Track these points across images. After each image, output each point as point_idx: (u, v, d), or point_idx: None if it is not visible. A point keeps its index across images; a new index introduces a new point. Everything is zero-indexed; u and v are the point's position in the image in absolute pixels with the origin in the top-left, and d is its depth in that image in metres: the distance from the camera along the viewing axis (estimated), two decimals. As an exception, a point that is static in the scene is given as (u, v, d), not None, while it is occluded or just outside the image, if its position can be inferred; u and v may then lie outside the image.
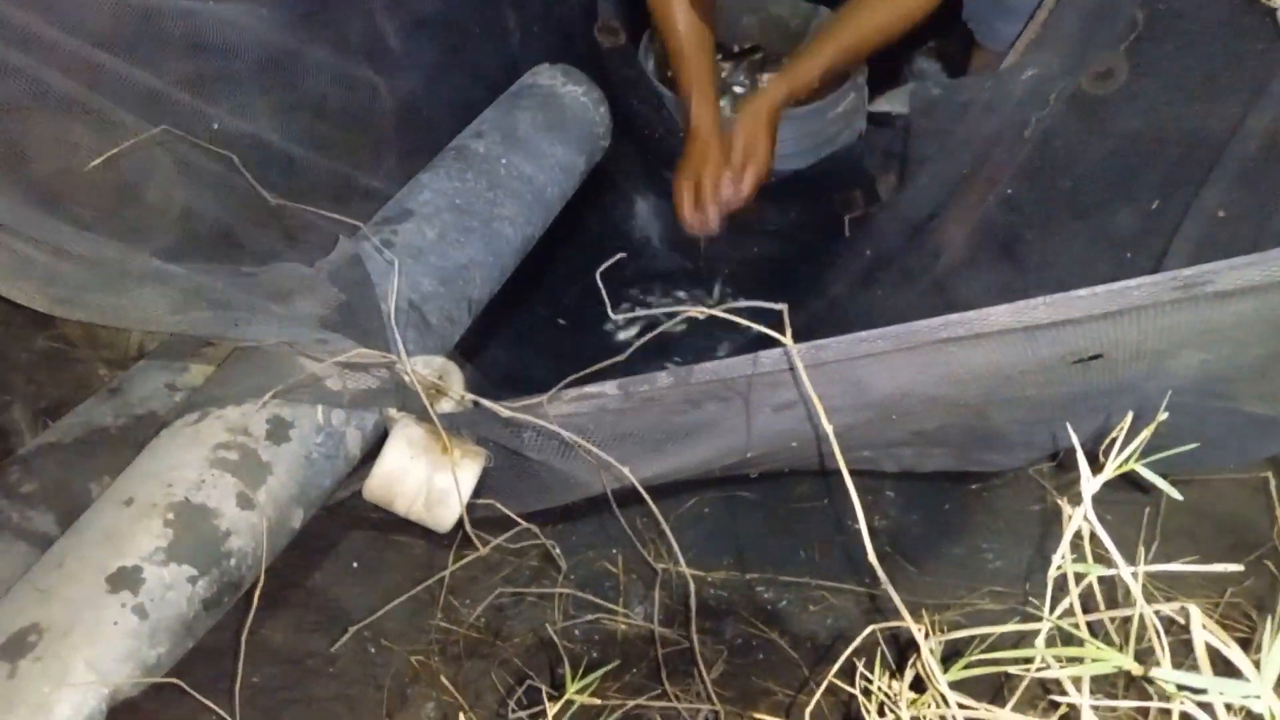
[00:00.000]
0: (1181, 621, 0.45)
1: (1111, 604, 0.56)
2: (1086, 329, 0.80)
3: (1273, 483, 0.93)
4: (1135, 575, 0.45)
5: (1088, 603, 0.55)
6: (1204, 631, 0.40)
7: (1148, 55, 1.24)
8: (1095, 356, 0.84)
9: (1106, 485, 0.58)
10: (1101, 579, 0.57)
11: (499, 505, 1.08)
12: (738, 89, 1.96)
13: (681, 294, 1.92)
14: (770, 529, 1.49)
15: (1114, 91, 1.28)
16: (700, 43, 1.66)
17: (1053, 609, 0.53)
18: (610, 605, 1.26)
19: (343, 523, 1.28)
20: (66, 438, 1.14)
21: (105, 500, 0.93)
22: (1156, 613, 0.45)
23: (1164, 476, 0.57)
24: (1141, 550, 0.58)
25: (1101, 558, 0.52)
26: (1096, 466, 0.53)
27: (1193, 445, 0.55)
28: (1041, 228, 1.45)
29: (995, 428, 1.05)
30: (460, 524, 1.06)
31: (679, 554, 0.94)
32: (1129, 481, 1.30)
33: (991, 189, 1.50)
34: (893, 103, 1.85)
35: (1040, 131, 1.38)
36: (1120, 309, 0.77)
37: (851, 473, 0.74)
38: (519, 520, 1.07)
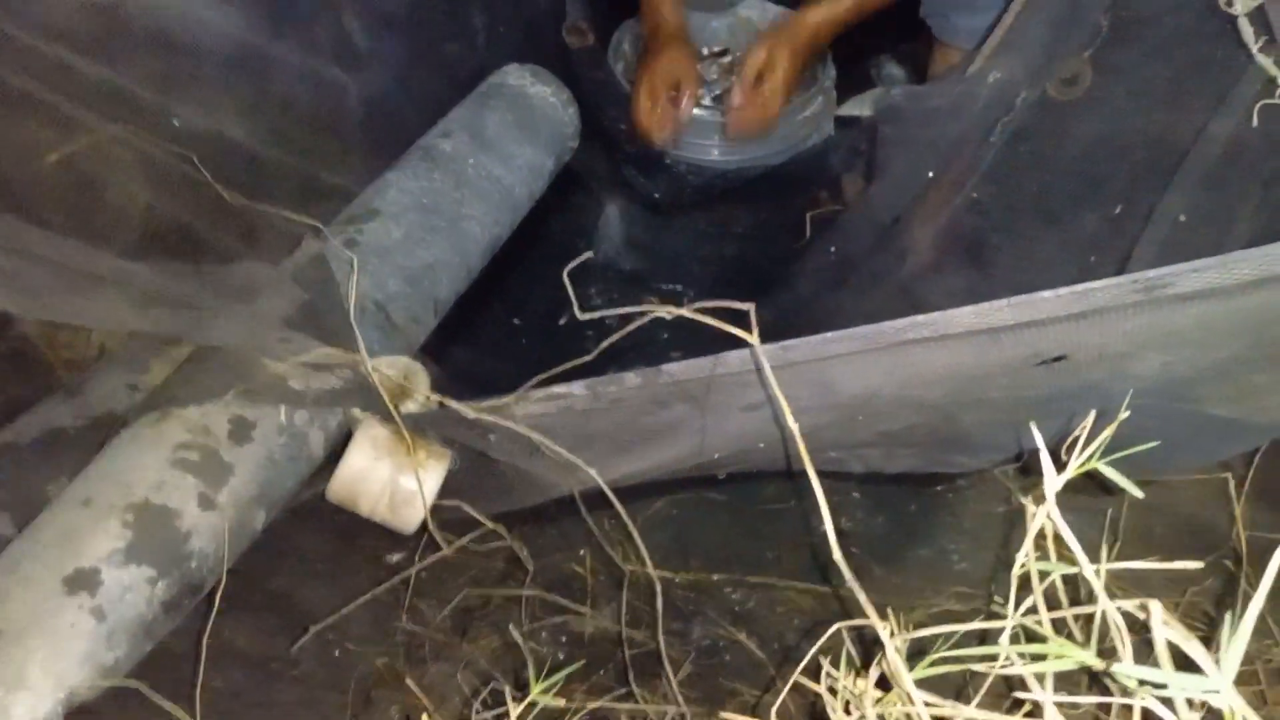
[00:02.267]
0: (1144, 620, 0.45)
1: (1076, 603, 0.57)
2: (1050, 331, 0.81)
3: (1231, 483, 0.94)
4: (1098, 573, 0.46)
5: (1052, 602, 0.56)
6: (1165, 627, 0.40)
7: (1112, 61, 1.25)
8: (1059, 358, 0.85)
9: (1069, 488, 0.58)
10: (1066, 580, 0.57)
11: (465, 506, 1.07)
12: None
13: (650, 296, 1.92)
14: (738, 530, 1.49)
15: (1079, 97, 1.30)
16: None
17: (1017, 607, 0.53)
18: (577, 607, 1.25)
19: (306, 524, 1.27)
20: (23, 438, 1.12)
21: (63, 501, 0.92)
22: (1119, 610, 0.45)
23: (1129, 478, 0.57)
24: (1104, 550, 0.59)
25: (1065, 557, 0.52)
26: (1060, 466, 0.53)
27: (1153, 445, 0.55)
28: (1007, 231, 1.46)
29: (961, 429, 1.05)
30: (425, 525, 1.06)
31: (646, 556, 0.94)
32: (1093, 483, 1.32)
33: (957, 192, 1.51)
34: (860, 106, 1.86)
35: (1006, 136, 1.39)
36: (1083, 311, 0.77)
37: (819, 474, 0.74)
38: (485, 522, 1.06)
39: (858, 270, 1.71)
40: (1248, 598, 0.97)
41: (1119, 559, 1.16)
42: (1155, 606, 0.41)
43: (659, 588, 0.90)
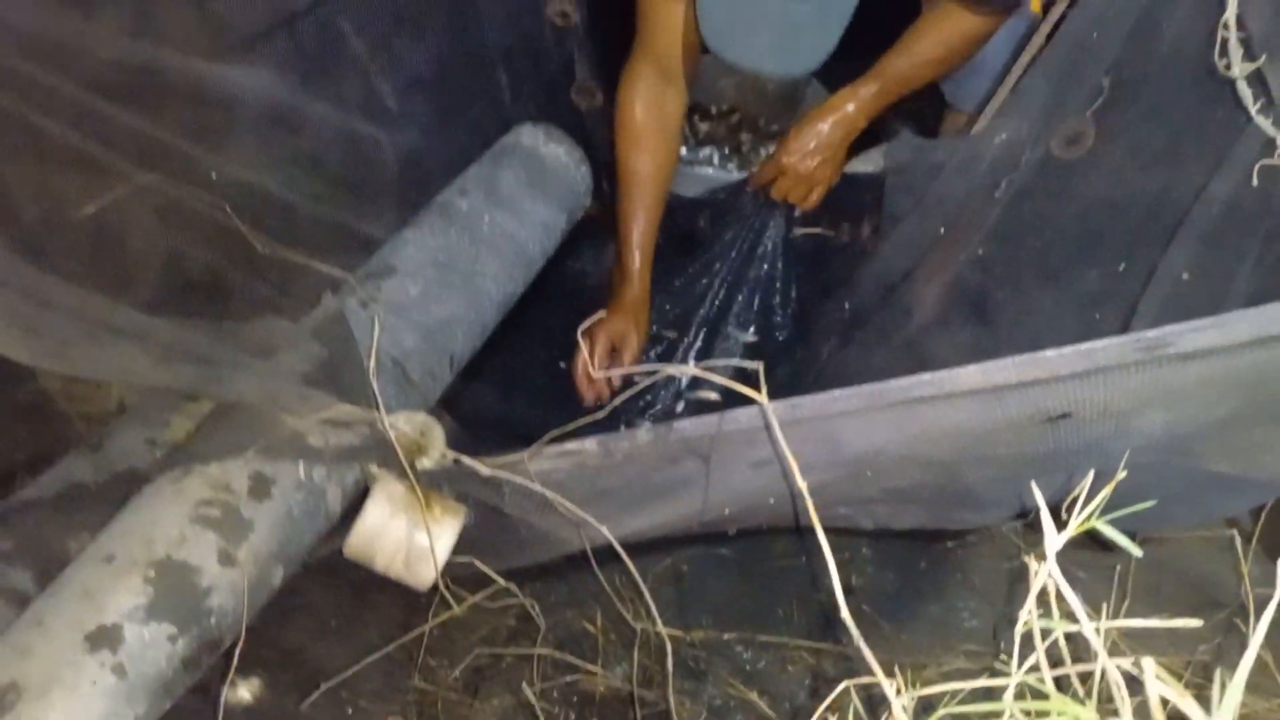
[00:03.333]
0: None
1: (1081, 660, 0.58)
2: (1054, 389, 0.82)
3: (1238, 540, 0.94)
4: (1098, 631, 0.47)
5: (1058, 659, 0.57)
6: (1158, 683, 0.41)
7: (1114, 121, 1.28)
8: (1064, 415, 0.86)
9: (1075, 545, 0.59)
10: (1071, 637, 0.58)
11: (478, 563, 1.08)
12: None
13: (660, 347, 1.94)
14: (748, 587, 1.49)
15: (1082, 156, 1.32)
16: (655, 202, 1.72)
17: (1021, 664, 0.54)
18: (589, 666, 1.25)
19: (319, 579, 1.28)
20: (45, 494, 1.14)
21: (85, 557, 0.93)
22: (1118, 667, 0.46)
23: (1130, 535, 0.58)
24: (1105, 607, 0.60)
25: (1070, 615, 0.53)
26: (1061, 524, 0.55)
27: (1151, 503, 0.57)
28: (1012, 288, 1.47)
29: (967, 486, 1.06)
30: (439, 582, 1.07)
31: (656, 615, 0.95)
32: (1098, 542, 1.32)
33: (963, 249, 1.53)
34: (868, 163, 1.89)
35: (1011, 193, 1.41)
36: (1086, 370, 0.79)
37: (827, 530, 0.75)
38: (498, 579, 1.07)
39: (867, 325, 1.73)
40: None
41: (1128, 615, 1.16)
42: (1148, 664, 0.42)
43: (669, 647, 0.91)
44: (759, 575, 1.51)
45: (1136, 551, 0.53)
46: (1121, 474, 0.58)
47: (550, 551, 1.14)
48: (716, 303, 1.83)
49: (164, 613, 0.88)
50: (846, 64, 1.57)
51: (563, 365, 1.75)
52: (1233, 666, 0.97)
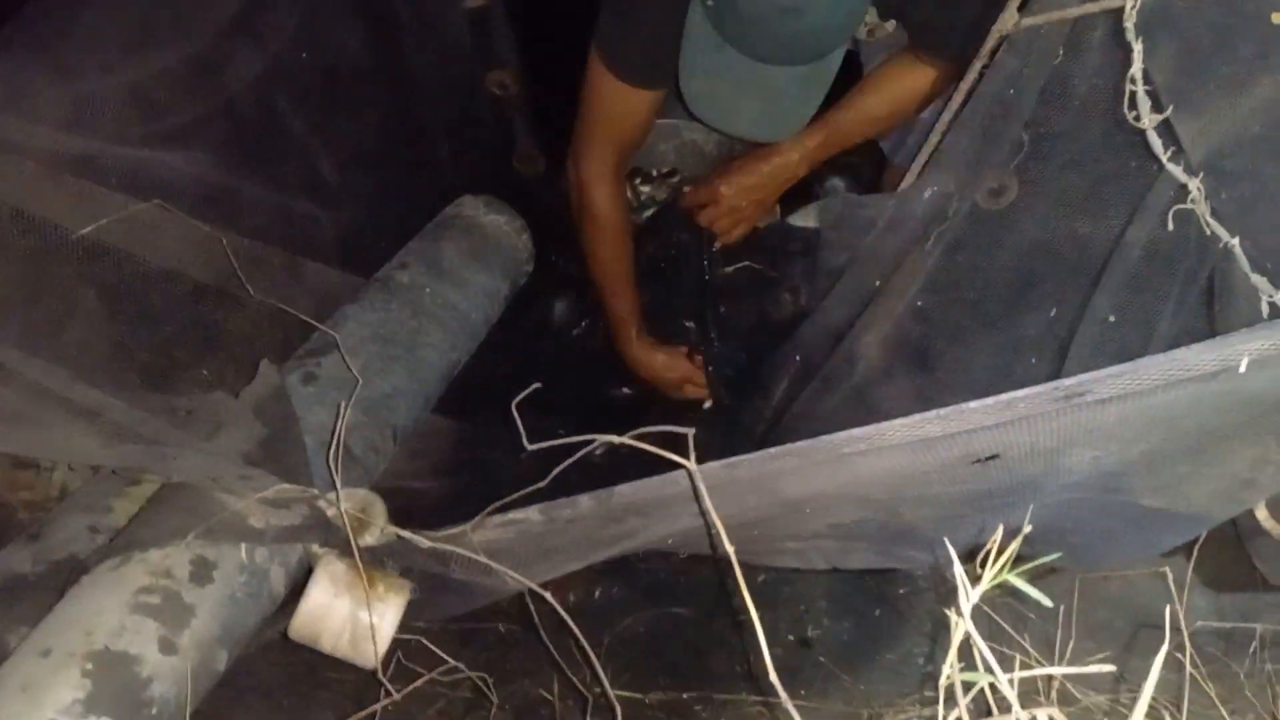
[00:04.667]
0: None
1: (1027, 703, 0.59)
2: (980, 435, 0.84)
3: (1170, 576, 0.96)
4: (1011, 683, 0.48)
5: (988, 709, 0.58)
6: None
7: (1035, 173, 1.32)
8: (992, 457, 0.88)
9: (1033, 581, 0.60)
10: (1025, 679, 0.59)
11: (428, 644, 1.08)
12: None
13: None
14: (707, 644, 1.49)
15: (1007, 207, 1.36)
16: (631, 278, 1.81)
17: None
18: (545, 737, 1.25)
19: (269, 657, 1.27)
20: (-17, 587, 1.12)
21: (23, 651, 0.92)
22: (1034, 717, 0.47)
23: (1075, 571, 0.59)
24: (1022, 652, 0.61)
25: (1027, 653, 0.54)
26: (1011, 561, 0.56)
27: (1057, 555, 0.58)
28: (951, 337, 1.50)
29: (907, 523, 1.08)
30: (391, 656, 1.06)
31: (606, 683, 0.95)
32: (1053, 575, 1.34)
33: (902, 301, 1.56)
34: (805, 218, 1.93)
35: (943, 245, 1.45)
36: (1009, 419, 0.81)
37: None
38: (447, 659, 1.07)
39: (816, 375, 1.76)
40: (1195, 687, 0.99)
41: (1080, 654, 1.18)
42: (1057, 714, 0.43)
43: (618, 710, 0.91)
44: (717, 632, 1.50)
45: (1047, 602, 0.54)
46: (1027, 528, 0.60)
47: (498, 598, 1.14)
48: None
49: (103, 705, 0.87)
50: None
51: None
52: (1178, 701, 0.98)
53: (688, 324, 1.94)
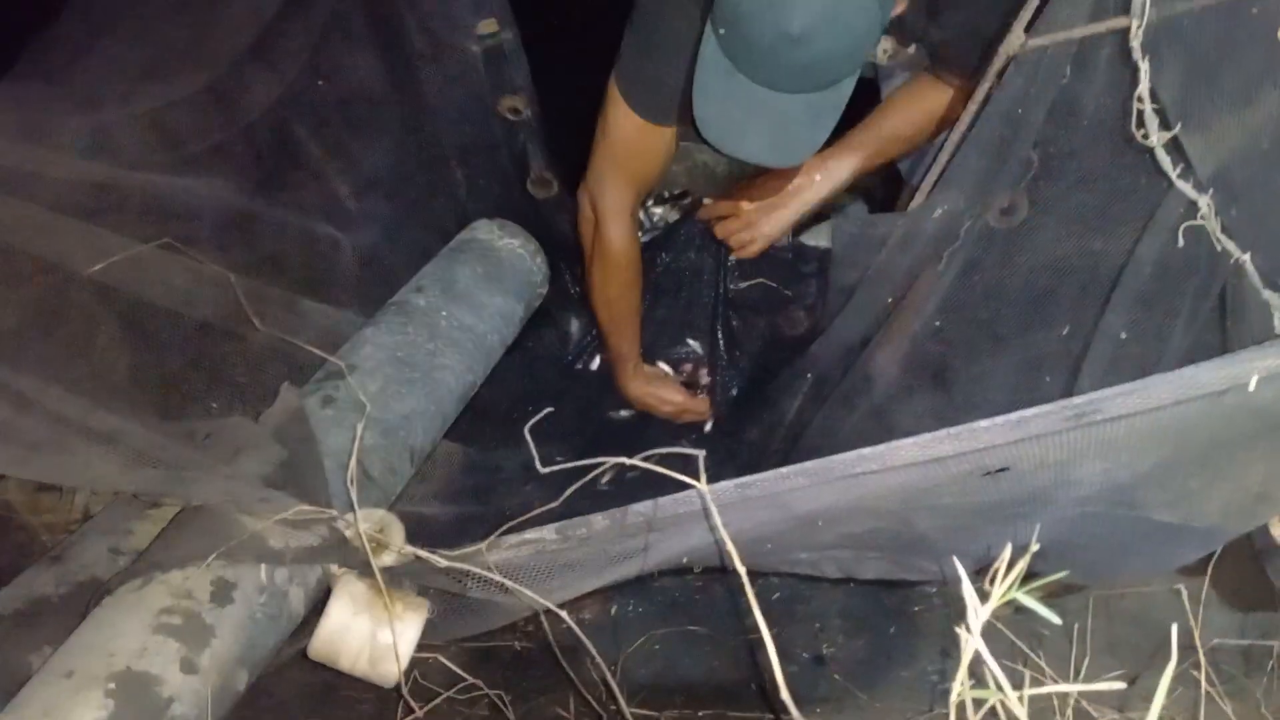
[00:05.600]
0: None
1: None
2: (991, 451, 0.85)
3: (1185, 593, 0.96)
4: (1021, 700, 0.48)
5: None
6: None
7: (1046, 192, 1.33)
8: (1002, 469, 0.89)
9: (1048, 598, 0.60)
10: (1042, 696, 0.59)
11: (445, 661, 1.09)
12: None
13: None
14: (721, 662, 1.50)
15: (1018, 226, 1.37)
16: (636, 312, 1.81)
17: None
18: (562, 757, 1.25)
19: (287, 676, 1.28)
20: (6, 609, 1.14)
21: (45, 673, 0.93)
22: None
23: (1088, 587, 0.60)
24: (1026, 670, 0.61)
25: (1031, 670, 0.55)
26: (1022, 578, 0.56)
27: (1064, 573, 0.59)
28: (966, 356, 1.51)
29: (920, 533, 1.08)
30: (409, 675, 1.07)
31: (622, 701, 0.95)
32: (1069, 592, 1.33)
33: (917, 319, 1.57)
34: (818, 237, 1.94)
35: (957, 265, 1.45)
36: (1020, 438, 0.81)
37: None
38: (465, 676, 1.07)
39: (832, 393, 1.77)
40: (1212, 704, 0.99)
41: (1098, 670, 1.17)
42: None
43: (635, 730, 0.91)
44: (731, 649, 1.51)
45: (1055, 619, 0.55)
46: (1035, 546, 0.60)
47: (515, 617, 1.15)
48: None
49: (125, 726, 0.88)
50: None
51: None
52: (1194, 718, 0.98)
53: (691, 342, 1.94)
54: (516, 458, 1.70)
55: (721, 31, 1.32)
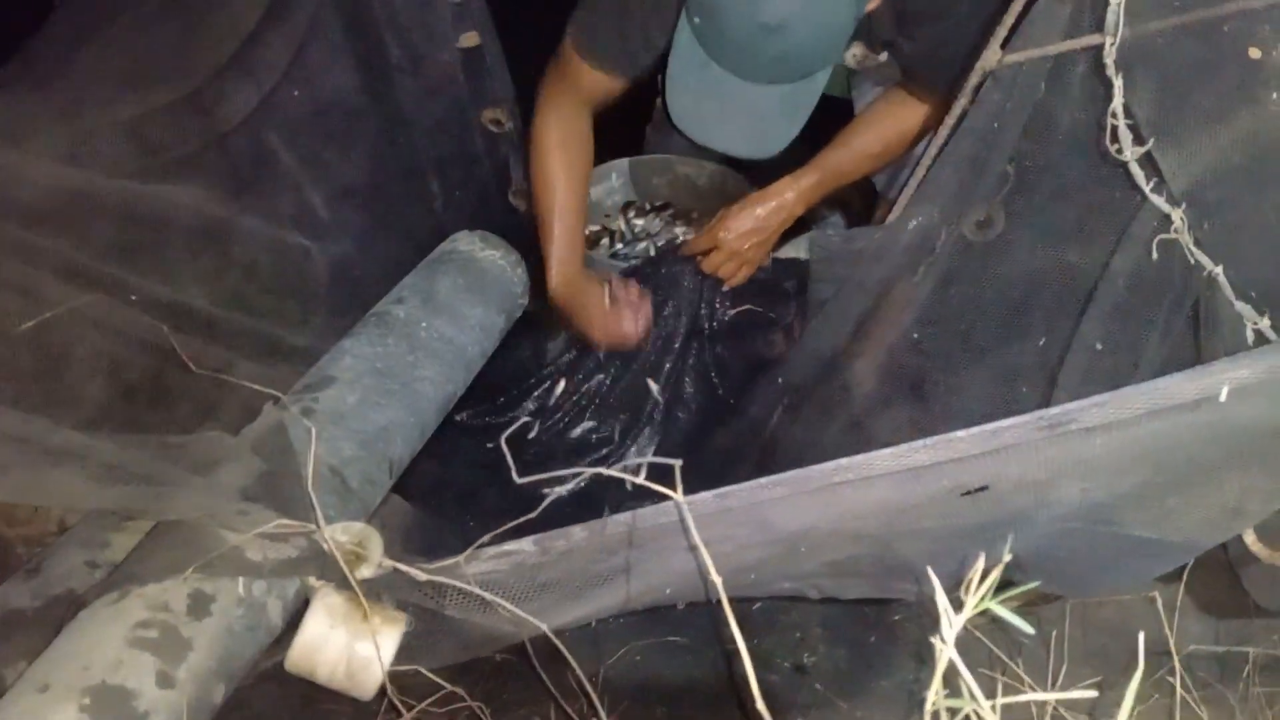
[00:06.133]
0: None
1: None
2: (969, 465, 0.85)
3: (1159, 602, 0.97)
4: (995, 708, 0.49)
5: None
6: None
7: (1020, 205, 1.34)
8: (981, 489, 0.90)
9: (1019, 612, 0.61)
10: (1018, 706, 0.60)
11: (425, 671, 1.08)
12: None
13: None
14: (702, 672, 1.49)
15: (994, 239, 1.38)
16: (579, 205, 1.73)
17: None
18: (542, 770, 1.25)
19: (265, 689, 1.27)
20: (-19, 623, 1.13)
21: (20, 686, 0.92)
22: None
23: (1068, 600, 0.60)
24: (1002, 679, 0.62)
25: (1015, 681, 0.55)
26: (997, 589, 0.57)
27: (1036, 584, 0.59)
28: (944, 368, 1.52)
29: (902, 557, 1.09)
30: (385, 689, 1.06)
31: (603, 713, 0.95)
32: (1046, 601, 1.34)
33: (894, 330, 1.58)
34: (796, 249, 1.95)
35: (934, 277, 1.47)
36: (995, 448, 0.82)
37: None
38: (445, 684, 1.07)
39: (808, 401, 1.77)
40: (1188, 711, 0.99)
41: (1074, 680, 1.18)
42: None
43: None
44: (712, 659, 1.51)
45: (1028, 629, 0.55)
46: (1007, 557, 0.61)
47: (494, 646, 1.14)
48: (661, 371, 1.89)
49: (100, 740, 0.87)
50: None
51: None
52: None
53: (649, 380, 1.90)
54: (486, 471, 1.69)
55: (696, 20, 1.34)
